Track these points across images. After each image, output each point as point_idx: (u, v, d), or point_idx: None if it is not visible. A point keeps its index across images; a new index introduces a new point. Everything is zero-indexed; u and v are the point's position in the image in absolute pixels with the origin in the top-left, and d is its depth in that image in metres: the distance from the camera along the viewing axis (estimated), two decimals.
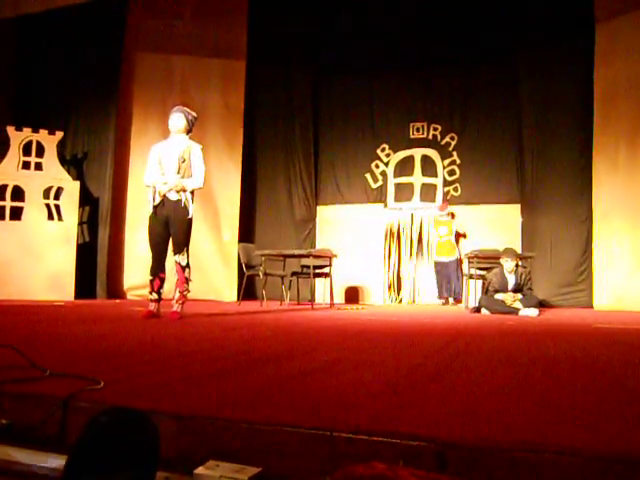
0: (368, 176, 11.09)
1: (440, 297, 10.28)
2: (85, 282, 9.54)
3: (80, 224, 9.76)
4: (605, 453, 1.27)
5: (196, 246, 10.06)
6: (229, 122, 10.29)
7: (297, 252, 8.90)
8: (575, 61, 9.80)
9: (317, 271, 9.11)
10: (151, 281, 5.39)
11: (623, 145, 9.18)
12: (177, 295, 5.45)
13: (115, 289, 9.94)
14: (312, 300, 9.05)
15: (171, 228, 5.34)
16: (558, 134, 10.01)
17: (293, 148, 11.20)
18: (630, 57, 9.16)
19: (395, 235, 10.79)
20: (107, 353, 2.85)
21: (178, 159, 5.36)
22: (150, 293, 5.43)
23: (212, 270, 9.98)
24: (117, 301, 9.28)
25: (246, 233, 10.55)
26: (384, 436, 1.38)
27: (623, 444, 1.32)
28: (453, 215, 10.47)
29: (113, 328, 4.47)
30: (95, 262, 9.86)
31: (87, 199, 10.01)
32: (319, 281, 9.87)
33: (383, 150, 11.08)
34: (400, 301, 10.61)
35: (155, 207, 5.31)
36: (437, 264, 10.30)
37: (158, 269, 5.39)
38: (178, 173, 5.34)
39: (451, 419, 1.52)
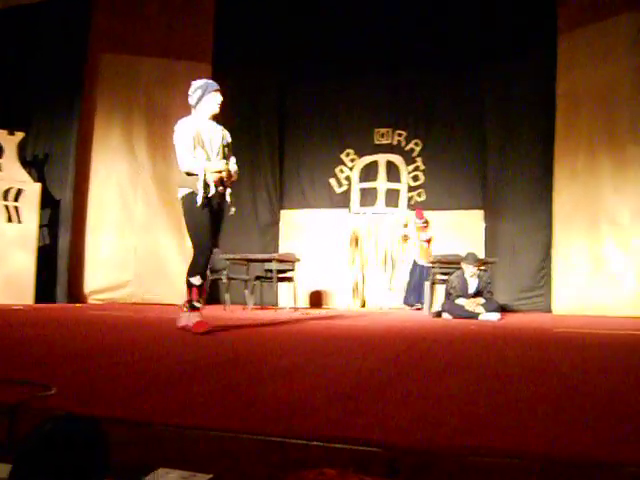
0: (332, 181, 11.11)
1: (407, 303, 10.25)
2: (45, 286, 9.36)
3: (41, 227, 9.58)
4: (554, 456, 1.29)
5: (160, 250, 10.03)
6: None
7: (261, 256, 8.88)
8: (538, 71, 9.96)
9: (281, 275, 9.10)
10: (200, 286, 4.53)
11: (582, 154, 9.39)
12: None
13: (76, 293, 9.79)
14: (276, 304, 9.04)
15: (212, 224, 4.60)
16: (520, 142, 10.17)
17: (258, 152, 11.17)
18: (591, 68, 9.37)
19: (359, 240, 10.83)
20: (62, 358, 2.80)
21: (222, 144, 4.77)
22: (197, 301, 4.52)
23: (176, 274, 9.86)
24: (78, 305, 9.14)
25: None
26: (336, 442, 1.38)
27: (572, 447, 1.34)
28: (427, 223, 10.49)
29: (71, 333, 4.41)
30: (56, 265, 9.68)
31: (48, 201, 9.83)
32: (283, 285, 9.84)
33: (348, 155, 11.12)
34: (364, 305, 10.65)
35: (208, 198, 4.48)
36: (417, 266, 10.27)
37: (206, 271, 4.74)
38: (223, 159, 4.72)
39: (404, 424, 1.53)
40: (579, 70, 9.49)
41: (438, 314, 7.88)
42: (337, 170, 11.13)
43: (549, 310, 9.61)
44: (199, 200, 4.38)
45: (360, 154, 11.11)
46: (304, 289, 10.54)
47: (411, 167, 10.93)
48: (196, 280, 4.44)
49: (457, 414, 1.68)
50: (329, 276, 10.69)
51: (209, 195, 4.43)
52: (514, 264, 9.98)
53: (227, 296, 8.61)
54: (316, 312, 8.70)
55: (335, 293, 10.78)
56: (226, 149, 4.82)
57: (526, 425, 1.55)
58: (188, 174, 4.48)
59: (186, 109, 10.24)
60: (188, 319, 4.43)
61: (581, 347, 4.15)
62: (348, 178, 11.11)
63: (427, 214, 10.50)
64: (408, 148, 10.98)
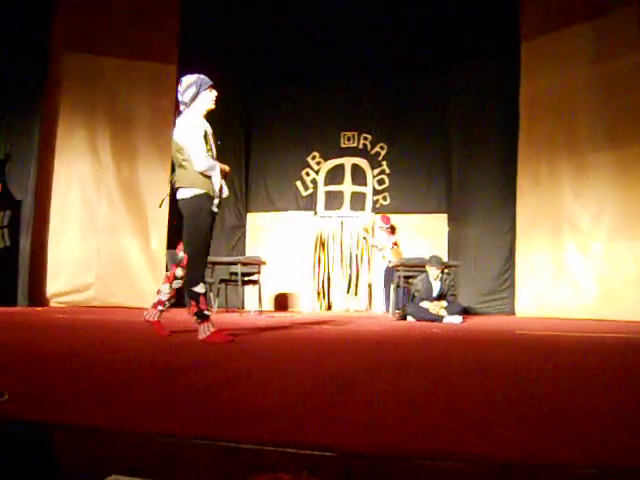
0: (299, 184, 11.13)
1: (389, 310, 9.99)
2: (5, 289, 9.18)
3: (1, 228, 9.41)
4: (505, 459, 1.31)
5: (124, 253, 9.90)
6: (159, 127, 10.10)
7: (225, 259, 8.84)
8: (502, 77, 10.11)
9: (246, 278, 9.07)
10: (205, 294, 4.19)
11: (545, 159, 9.56)
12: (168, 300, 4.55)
13: (38, 296, 9.60)
14: (241, 307, 9.00)
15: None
16: (484, 147, 10.32)
17: (224, 154, 11.04)
18: (552, 75, 9.55)
19: (325, 243, 10.85)
20: (19, 363, 2.76)
21: (216, 145, 4.48)
22: (207, 309, 4.15)
23: (140, 277, 9.79)
24: (39, 309, 8.98)
25: (175, 240, 10.36)
26: (290, 447, 1.39)
27: (523, 450, 1.37)
28: (394, 228, 10.53)
29: (29, 337, 4.34)
30: (16, 268, 9.50)
31: (9, 202, 9.66)
32: (248, 288, 9.82)
33: (314, 158, 11.15)
34: (329, 308, 10.67)
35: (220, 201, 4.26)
36: (391, 269, 10.23)
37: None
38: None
39: (359, 428, 1.54)
40: (541, 77, 9.66)
41: (402, 317, 7.93)
42: (303, 173, 11.16)
43: (512, 313, 9.75)
44: (215, 203, 4.19)
45: (326, 157, 11.16)
46: (270, 292, 10.52)
47: (377, 171, 11.01)
48: (200, 288, 4.10)
49: (411, 417, 1.69)
50: (295, 279, 10.70)
51: (223, 198, 4.29)
52: (478, 268, 10.11)
53: None
54: (281, 315, 8.69)
55: (301, 296, 10.78)
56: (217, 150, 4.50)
57: (479, 427, 1.57)
58: (202, 174, 4.18)
59: (150, 110, 10.18)
60: (205, 331, 4.06)
61: (542, 349, 4.21)
62: (314, 181, 11.14)
63: (392, 217, 10.55)
64: (374, 152, 11.06)
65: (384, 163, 11.01)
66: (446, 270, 8.23)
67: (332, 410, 1.79)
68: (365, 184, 11.02)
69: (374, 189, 10.99)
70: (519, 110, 9.81)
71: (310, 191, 11.15)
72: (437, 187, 10.77)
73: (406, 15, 10.33)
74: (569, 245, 9.25)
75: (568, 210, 9.29)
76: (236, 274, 8.75)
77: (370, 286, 10.75)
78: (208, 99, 4.39)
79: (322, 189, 11.10)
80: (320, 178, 11.13)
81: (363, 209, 10.93)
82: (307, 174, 11.16)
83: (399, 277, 8.78)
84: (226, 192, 4.31)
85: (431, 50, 10.38)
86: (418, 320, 7.62)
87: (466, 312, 8.90)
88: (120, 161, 9.93)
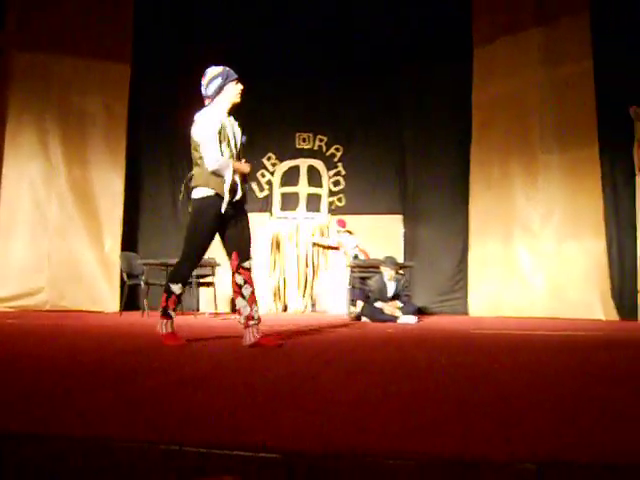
0: (254, 185, 11.08)
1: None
2: None
3: None
4: (444, 457, 1.34)
5: (76, 256, 9.72)
6: (112, 128, 9.98)
7: None
8: (455, 81, 10.27)
9: (201, 280, 9.01)
10: (179, 296, 4.10)
11: (497, 162, 9.76)
12: (255, 312, 4.17)
13: None
14: (196, 310, 8.94)
15: (234, 228, 4.11)
16: (438, 150, 10.47)
17: (179, 155, 10.98)
18: (504, 79, 9.76)
19: (281, 244, 10.85)
20: None
21: (240, 143, 4.24)
22: (173, 309, 4.07)
23: (93, 280, 9.63)
24: None
25: (129, 242, 10.24)
26: (235, 449, 1.39)
27: (461, 448, 1.39)
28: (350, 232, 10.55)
29: None
30: None
31: None
32: (204, 290, 9.74)
33: (269, 159, 11.13)
34: (286, 309, 10.67)
35: (231, 202, 4.03)
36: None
37: (188, 280, 4.36)
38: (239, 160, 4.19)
39: (303, 429, 1.55)
40: (493, 81, 9.86)
41: (357, 318, 7.98)
42: (258, 174, 11.10)
43: (466, 312, 9.91)
44: (224, 206, 3.96)
45: (281, 158, 11.15)
46: (225, 294, 10.44)
47: (332, 172, 11.06)
48: (177, 288, 4.03)
49: (356, 418, 1.71)
50: None
51: (234, 200, 4.03)
52: (432, 268, 10.23)
53: (145, 302, 8.45)
54: (237, 317, 8.63)
55: (257, 298, 10.69)
56: (242, 148, 4.27)
57: (424, 426, 1.60)
58: (214, 174, 3.98)
59: (102, 110, 10.01)
60: (160, 327, 4.01)
61: (495, 347, 4.29)
62: (269, 182, 11.11)
63: (347, 219, 10.58)
64: (329, 153, 11.10)
65: (339, 165, 11.07)
66: (401, 271, 8.32)
67: (280, 412, 1.79)
68: (320, 185, 11.05)
69: (330, 190, 11.03)
70: (472, 114, 10.00)
71: (266, 192, 11.11)
72: (392, 188, 10.86)
73: (361, 17, 10.42)
74: (520, 246, 9.45)
75: (519, 211, 9.50)
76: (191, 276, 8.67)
77: (326, 287, 10.77)
78: (234, 92, 4.21)
79: (278, 190, 11.08)
80: (275, 179, 11.11)
81: (319, 210, 10.96)
82: (262, 175, 11.12)
83: (354, 278, 8.83)
84: (239, 194, 4.07)
85: (386, 53, 10.49)
86: (373, 321, 7.68)
87: (421, 312, 9.01)
88: (72, 162, 9.74)
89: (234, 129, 4.21)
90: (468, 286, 10.05)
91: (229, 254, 4.14)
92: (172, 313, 4.06)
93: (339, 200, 10.98)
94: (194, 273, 8.52)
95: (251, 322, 4.10)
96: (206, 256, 9.73)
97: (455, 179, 10.34)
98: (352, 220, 10.65)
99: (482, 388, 2.37)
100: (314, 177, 11.08)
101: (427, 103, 10.57)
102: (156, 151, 10.91)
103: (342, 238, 10.34)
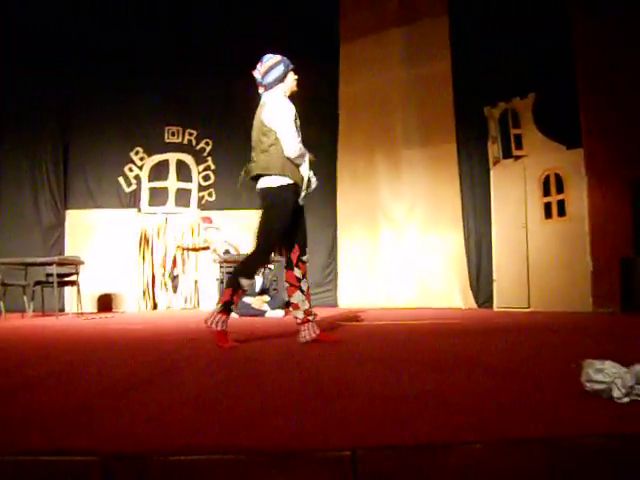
0: (121, 179, 10.75)
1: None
2: None
3: None
4: (266, 449, 1.38)
5: None
6: None
7: (39, 260, 8.34)
8: (323, 77, 10.34)
9: (64, 279, 8.65)
10: (244, 291, 3.96)
11: (362, 157, 10.05)
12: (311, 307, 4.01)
13: None
14: (61, 310, 8.60)
15: (298, 220, 3.96)
16: (307, 144, 10.53)
17: (40, 149, 10.48)
18: (368, 76, 10.05)
19: (149, 240, 10.60)
20: None
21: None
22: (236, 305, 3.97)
23: None
24: None
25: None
26: (56, 454, 1.37)
27: (291, 441, 1.44)
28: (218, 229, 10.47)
29: None
30: None
31: None
32: (69, 290, 9.38)
33: (137, 153, 10.82)
34: (155, 307, 10.46)
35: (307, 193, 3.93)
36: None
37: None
38: None
39: (125, 429, 1.55)
40: (358, 77, 10.14)
41: None
42: (126, 169, 10.79)
43: (336, 304, 10.11)
44: (302, 195, 3.87)
45: (150, 153, 10.87)
46: (93, 293, 10.10)
47: (202, 167, 10.94)
48: (247, 284, 3.81)
49: (181, 416, 1.72)
50: (119, 279, 10.34)
51: (310, 190, 3.93)
52: None
53: (1, 304, 8.00)
54: (103, 316, 8.40)
55: (125, 296, 10.44)
56: None
57: (253, 419, 1.64)
58: (289, 162, 3.87)
59: None
60: (216, 323, 3.67)
61: (366, 337, 4.42)
62: (137, 177, 10.82)
63: (218, 214, 10.52)
64: (199, 147, 10.97)
65: (209, 159, 10.96)
66: (269, 265, 8.36)
67: (109, 414, 1.77)
68: (190, 180, 10.89)
69: (200, 185, 10.90)
70: (338, 110, 10.23)
71: (133, 187, 10.80)
72: None
73: (230, 12, 10.37)
74: (386, 238, 9.80)
75: (384, 204, 9.84)
76: (52, 275, 8.31)
77: (196, 283, 10.66)
78: (293, 81, 4.16)
79: (146, 185, 10.80)
80: (144, 174, 10.82)
81: (188, 206, 10.80)
82: (130, 170, 10.80)
83: (223, 273, 8.77)
84: (315, 183, 3.99)
85: (253, 48, 10.45)
86: (241, 316, 7.68)
87: (289, 306, 9.08)
88: None
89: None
90: (338, 278, 10.27)
91: (290, 246, 3.94)
92: (233, 309, 3.85)
93: (209, 195, 10.88)
94: (57, 272, 8.28)
95: (310, 317, 3.94)
96: (73, 253, 9.42)
97: (324, 172, 10.41)
98: (223, 215, 10.58)
99: (327, 383, 2.44)
100: (183, 172, 10.90)
101: (296, 100, 10.64)
102: (16, 149, 10.37)
103: (210, 235, 10.25)
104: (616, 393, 1.76)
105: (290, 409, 1.79)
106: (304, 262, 3.97)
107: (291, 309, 4.04)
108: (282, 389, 2.18)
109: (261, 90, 4.10)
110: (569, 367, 2.17)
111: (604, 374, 1.81)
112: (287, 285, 3.98)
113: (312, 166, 4.04)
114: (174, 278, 10.59)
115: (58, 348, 4.05)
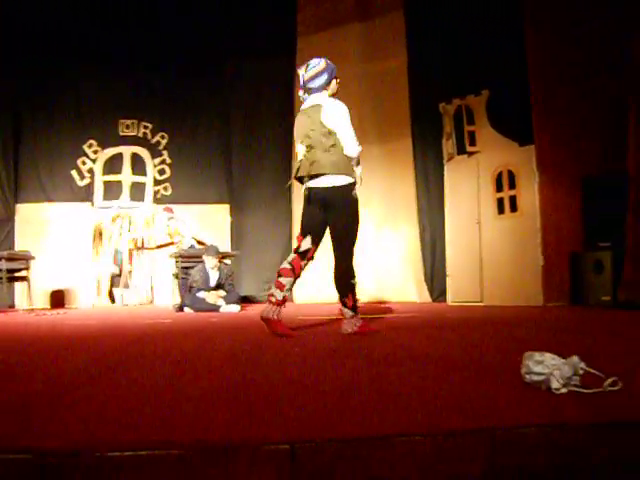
0: (74, 173, 10.54)
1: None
2: None
3: None
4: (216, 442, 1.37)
5: None
6: None
7: None
8: (279, 71, 10.34)
9: (14, 274, 8.48)
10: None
11: None
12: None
13: None
14: (11, 306, 8.42)
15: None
16: (263, 138, 10.58)
17: None
18: None
19: (103, 234, 10.43)
20: None
21: None
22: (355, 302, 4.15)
23: None
24: None
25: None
26: None
27: (229, 435, 1.43)
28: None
29: None
30: None
31: None
32: (20, 285, 9.18)
33: (90, 146, 10.62)
34: (113, 301, 10.30)
35: None
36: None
37: None
38: None
39: (61, 427, 1.52)
40: None
41: (180, 308, 7.87)
42: (79, 162, 10.58)
43: (292, 299, 10.08)
44: (357, 194, 4.08)
45: (104, 145, 10.68)
46: (44, 289, 9.90)
47: (157, 160, 10.81)
48: (355, 281, 4.16)
49: (119, 412, 1.71)
50: (72, 274, 10.14)
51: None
52: (259, 256, 10.34)
53: None
54: (54, 312, 8.24)
55: (79, 291, 10.25)
56: None
57: (192, 415, 1.63)
58: (349, 161, 4.08)
59: None
60: (353, 325, 4.09)
61: (318, 331, 4.43)
62: (91, 170, 10.62)
63: (174, 208, 10.39)
64: (154, 141, 10.83)
65: (165, 153, 10.83)
66: (225, 259, 8.33)
67: (52, 411, 1.75)
68: (145, 174, 10.74)
69: (155, 179, 10.75)
70: (294, 104, 10.18)
71: (87, 181, 10.60)
72: (219, 177, 10.83)
73: (189, 5, 10.26)
74: None
75: None
76: (1, 270, 8.13)
77: (152, 278, 10.54)
78: (336, 85, 4.28)
79: (100, 179, 10.61)
80: (97, 167, 10.62)
81: (143, 200, 10.66)
82: (83, 163, 10.59)
83: (178, 268, 8.68)
84: (360, 183, 4.19)
85: (211, 41, 10.40)
86: (196, 311, 7.63)
87: (247, 300, 9.09)
88: None
89: None
90: None
91: (317, 241, 4.20)
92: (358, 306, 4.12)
93: (165, 189, 10.75)
94: (6, 267, 8.12)
95: (284, 304, 4.13)
96: (24, 248, 9.21)
97: (278, 168, 10.47)
98: (179, 209, 10.46)
99: (245, 372, 2.44)
100: (138, 165, 10.74)
101: (252, 92, 10.63)
102: None
103: (178, 225, 10.09)
104: (554, 384, 1.80)
105: (230, 404, 1.78)
106: (312, 259, 4.24)
107: (273, 284, 4.15)
108: (223, 384, 2.18)
109: (301, 93, 4.30)
110: (511, 359, 2.21)
111: (543, 366, 1.85)
112: (287, 266, 4.10)
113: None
114: (128, 273, 10.45)
115: (10, 340, 3.97)
